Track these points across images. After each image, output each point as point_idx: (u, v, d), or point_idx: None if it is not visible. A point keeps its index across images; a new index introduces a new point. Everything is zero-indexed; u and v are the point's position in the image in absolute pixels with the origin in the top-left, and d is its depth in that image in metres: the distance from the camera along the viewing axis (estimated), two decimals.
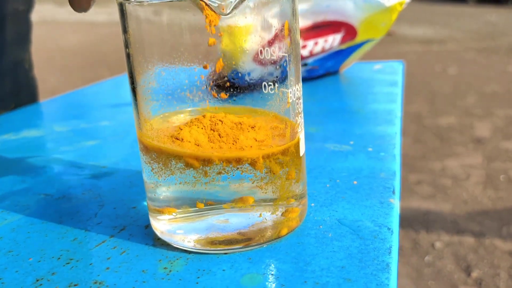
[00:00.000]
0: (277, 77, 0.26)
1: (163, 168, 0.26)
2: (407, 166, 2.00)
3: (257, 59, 0.26)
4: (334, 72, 0.69)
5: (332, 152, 0.40)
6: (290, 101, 0.26)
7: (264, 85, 0.26)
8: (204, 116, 0.26)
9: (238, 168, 0.25)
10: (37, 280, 0.25)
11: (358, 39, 0.63)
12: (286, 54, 0.26)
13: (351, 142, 0.42)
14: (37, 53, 0.79)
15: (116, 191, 0.36)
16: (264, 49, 0.25)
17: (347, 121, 0.50)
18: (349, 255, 0.26)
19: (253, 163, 0.25)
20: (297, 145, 0.27)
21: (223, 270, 0.25)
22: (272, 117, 0.27)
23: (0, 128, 0.56)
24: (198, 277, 0.24)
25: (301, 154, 0.28)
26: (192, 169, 0.25)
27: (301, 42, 0.60)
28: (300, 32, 0.60)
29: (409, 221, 1.61)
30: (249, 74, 0.26)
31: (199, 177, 0.25)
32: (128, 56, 0.26)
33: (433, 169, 1.99)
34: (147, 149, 0.26)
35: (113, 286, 0.24)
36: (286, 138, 0.26)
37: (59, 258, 0.27)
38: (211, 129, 0.26)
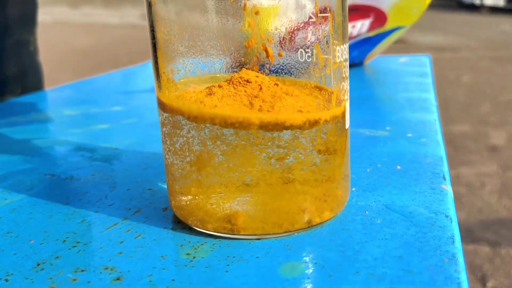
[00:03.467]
0: (315, 41, 0.22)
1: (187, 137, 0.22)
2: None
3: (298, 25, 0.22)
4: (358, 63, 0.65)
5: (368, 137, 0.36)
6: (336, 62, 0.23)
7: (301, 52, 0.22)
8: (232, 78, 0.22)
9: (274, 137, 0.21)
10: (38, 264, 0.22)
11: (388, 26, 0.59)
12: (329, 14, 0.22)
13: (388, 128, 0.38)
14: (50, 54, 0.76)
15: (129, 173, 0.32)
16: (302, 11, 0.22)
17: (380, 108, 0.46)
18: (405, 243, 0.22)
19: (294, 132, 0.21)
20: (343, 114, 0.23)
21: (257, 257, 0.21)
22: (312, 84, 0.23)
23: (8, 111, 0.52)
24: (228, 265, 0.21)
25: (346, 127, 0.24)
26: (220, 138, 0.21)
27: None
28: None
29: None
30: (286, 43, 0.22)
31: (229, 148, 0.21)
32: (150, 5, 0.22)
33: None
34: (169, 112, 0.23)
35: (127, 273, 0.20)
36: (332, 104, 0.23)
37: (64, 240, 0.24)
38: (242, 92, 0.22)
